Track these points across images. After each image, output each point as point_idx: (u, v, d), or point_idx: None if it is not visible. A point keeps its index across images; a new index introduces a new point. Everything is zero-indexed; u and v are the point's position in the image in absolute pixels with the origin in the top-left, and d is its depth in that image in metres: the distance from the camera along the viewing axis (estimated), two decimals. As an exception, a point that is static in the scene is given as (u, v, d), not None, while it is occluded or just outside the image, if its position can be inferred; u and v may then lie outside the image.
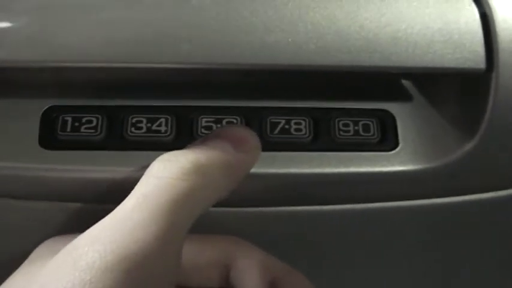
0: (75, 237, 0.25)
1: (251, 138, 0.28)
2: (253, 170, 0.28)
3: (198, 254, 0.29)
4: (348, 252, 0.33)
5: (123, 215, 0.24)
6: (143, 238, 0.23)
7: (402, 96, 0.32)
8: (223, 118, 0.31)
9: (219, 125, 0.31)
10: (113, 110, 0.31)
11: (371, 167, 0.30)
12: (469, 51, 0.29)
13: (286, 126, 0.31)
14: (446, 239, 0.33)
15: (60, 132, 0.30)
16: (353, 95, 0.32)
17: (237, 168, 0.27)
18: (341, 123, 0.31)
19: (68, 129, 0.30)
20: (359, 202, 0.31)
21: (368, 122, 0.31)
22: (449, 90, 0.31)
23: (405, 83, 0.33)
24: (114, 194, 0.30)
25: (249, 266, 0.28)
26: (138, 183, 0.25)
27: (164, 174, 0.25)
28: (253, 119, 0.31)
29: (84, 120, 0.30)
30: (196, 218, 0.25)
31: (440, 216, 0.32)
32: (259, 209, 0.31)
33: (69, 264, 0.22)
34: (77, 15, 0.28)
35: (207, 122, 0.31)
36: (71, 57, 0.28)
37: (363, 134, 0.31)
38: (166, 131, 0.30)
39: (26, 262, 0.28)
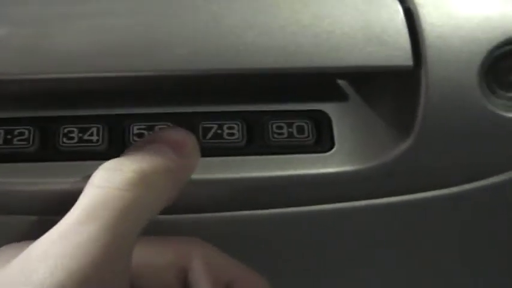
0: (26, 246, 0.25)
1: (189, 140, 0.29)
2: (188, 177, 0.29)
3: (155, 256, 0.29)
4: (287, 255, 0.33)
5: (70, 228, 0.25)
6: (92, 252, 0.24)
7: (338, 96, 0.32)
8: (155, 125, 0.31)
9: (151, 133, 0.31)
10: (45, 121, 0.31)
11: (307, 169, 0.31)
12: (395, 48, 0.29)
13: (219, 131, 0.31)
14: (385, 240, 0.33)
15: (-7, 145, 0.31)
16: (287, 96, 0.32)
17: (180, 173, 0.28)
18: (275, 125, 0.31)
19: (1, 142, 0.31)
20: (296, 205, 0.32)
21: (302, 124, 0.31)
22: (383, 89, 0.32)
23: (342, 83, 0.33)
24: (50, 205, 0.30)
25: (204, 267, 0.29)
26: (82, 194, 0.26)
27: (108, 184, 0.26)
28: (185, 125, 0.31)
29: (16, 132, 0.31)
30: (143, 226, 0.26)
31: (379, 217, 0.32)
32: (196, 215, 0.32)
33: (21, 280, 0.23)
34: (10, 27, 0.29)
35: (138, 129, 0.31)
36: (5, 70, 0.29)
37: (297, 136, 0.31)
38: (98, 140, 0.31)
39: None
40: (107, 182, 0.26)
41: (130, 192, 0.25)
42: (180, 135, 0.29)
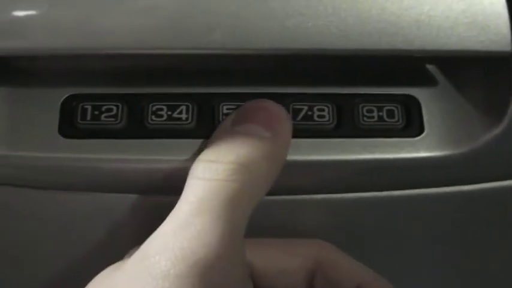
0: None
1: (279, 114, 0.31)
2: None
3: (285, 259, 0.32)
4: (373, 240, 0.35)
5: (183, 220, 0.27)
6: (209, 242, 0.26)
7: (427, 81, 0.34)
8: (245, 105, 0.33)
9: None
10: (133, 98, 0.33)
11: (396, 153, 0.33)
12: (494, 33, 0.31)
13: (309, 113, 0.33)
14: (474, 226, 0.36)
15: (80, 121, 0.33)
16: (377, 80, 0.34)
17: (277, 151, 0.30)
18: (365, 109, 0.33)
19: (88, 117, 0.33)
20: (384, 189, 0.34)
21: (392, 108, 0.33)
22: (475, 74, 0.34)
23: (430, 67, 0.35)
24: (136, 182, 0.33)
25: (334, 272, 0.31)
26: (186, 186, 0.28)
27: (212, 176, 0.28)
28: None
29: (104, 108, 0.33)
30: (251, 212, 0.28)
31: (468, 203, 0.34)
32: (283, 197, 0.34)
33: (144, 273, 0.25)
34: (101, 3, 0.31)
35: (228, 109, 0.33)
36: (94, 45, 0.31)
37: (387, 120, 0.33)
38: (187, 119, 0.33)
39: None
40: (210, 174, 0.28)
41: (235, 182, 0.28)
42: (270, 110, 0.31)
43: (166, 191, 0.31)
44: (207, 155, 0.29)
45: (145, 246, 0.27)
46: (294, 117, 0.33)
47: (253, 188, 0.28)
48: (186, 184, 0.28)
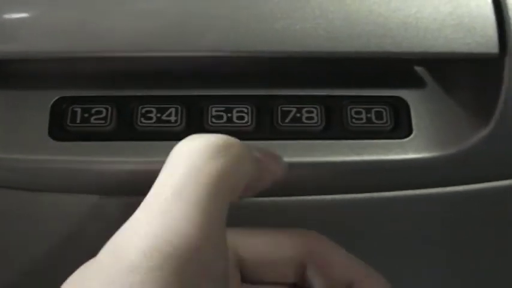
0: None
1: (275, 153, 0.31)
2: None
3: (275, 249, 0.30)
4: (361, 241, 0.36)
5: (159, 207, 0.24)
6: (186, 231, 0.24)
7: (415, 82, 0.35)
8: (234, 107, 0.33)
9: (229, 115, 0.33)
10: (123, 101, 0.34)
11: (384, 154, 0.33)
12: (481, 35, 0.31)
13: (298, 115, 0.33)
14: (462, 228, 0.36)
15: (70, 124, 0.33)
16: (366, 82, 0.35)
17: (263, 164, 0.29)
18: (353, 110, 0.34)
19: (78, 120, 0.33)
20: (372, 191, 0.34)
21: (381, 109, 0.34)
22: (463, 76, 0.34)
23: (419, 69, 0.35)
24: (126, 184, 0.33)
25: (326, 264, 0.30)
26: (164, 168, 0.27)
27: (192, 157, 0.26)
28: (264, 108, 0.34)
29: (93, 111, 0.33)
30: (227, 205, 0.26)
31: (456, 204, 0.35)
32: (271, 199, 0.34)
33: (115, 266, 0.23)
34: (93, 7, 0.31)
35: (217, 111, 0.33)
36: (87, 48, 0.31)
37: (375, 121, 0.33)
38: (176, 121, 0.33)
39: None
40: (190, 155, 0.26)
41: (216, 165, 0.26)
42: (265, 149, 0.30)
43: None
44: (190, 138, 0.28)
45: (118, 236, 0.25)
46: (283, 119, 0.33)
47: (234, 174, 0.27)
48: (165, 165, 0.27)
